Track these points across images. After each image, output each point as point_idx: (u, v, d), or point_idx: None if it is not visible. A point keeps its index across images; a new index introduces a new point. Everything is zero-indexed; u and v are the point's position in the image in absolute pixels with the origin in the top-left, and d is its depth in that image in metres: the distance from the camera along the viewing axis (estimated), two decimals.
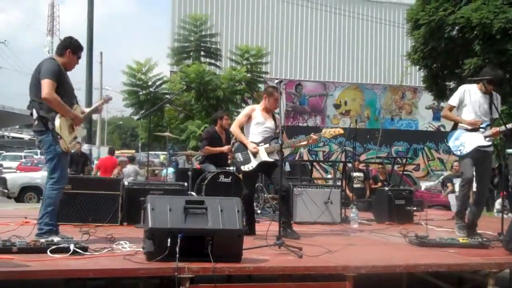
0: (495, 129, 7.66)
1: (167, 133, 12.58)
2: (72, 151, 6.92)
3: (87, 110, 7.05)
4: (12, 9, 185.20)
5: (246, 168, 7.67)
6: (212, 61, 22.51)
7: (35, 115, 6.34)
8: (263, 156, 7.64)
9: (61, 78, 6.34)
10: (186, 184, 9.51)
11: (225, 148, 10.54)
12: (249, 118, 7.90)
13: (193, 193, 9.63)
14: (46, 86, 6.15)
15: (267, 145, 7.70)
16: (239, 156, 7.75)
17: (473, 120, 7.71)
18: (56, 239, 5.77)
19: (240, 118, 8.02)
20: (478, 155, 7.67)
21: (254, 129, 7.85)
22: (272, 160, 7.63)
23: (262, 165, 7.69)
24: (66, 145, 6.32)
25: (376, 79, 35.03)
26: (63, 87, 6.34)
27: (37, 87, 6.29)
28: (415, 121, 34.45)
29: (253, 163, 7.65)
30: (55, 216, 6.39)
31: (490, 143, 7.76)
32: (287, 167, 16.25)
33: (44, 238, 5.82)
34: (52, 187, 6.34)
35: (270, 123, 7.88)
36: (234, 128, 8.02)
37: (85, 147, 20.65)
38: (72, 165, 19.09)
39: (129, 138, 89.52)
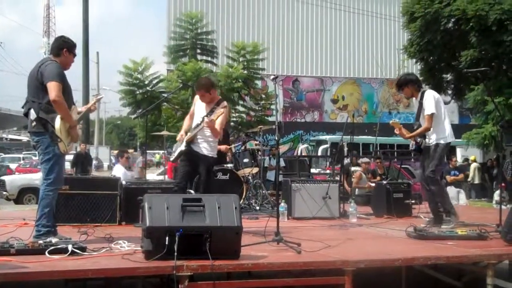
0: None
1: (164, 132, 12.59)
2: (74, 151, 6.94)
3: (82, 109, 7.03)
4: (8, 11, 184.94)
5: (171, 157, 7.92)
6: (209, 58, 22.52)
7: (33, 115, 6.31)
8: (181, 146, 7.66)
9: (64, 79, 6.36)
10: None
11: (222, 147, 10.54)
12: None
13: (191, 191, 9.62)
14: (55, 88, 6.14)
15: (189, 134, 7.64)
16: (174, 146, 7.95)
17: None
18: (54, 240, 5.77)
19: (191, 108, 8.07)
20: (424, 153, 8.29)
21: (194, 118, 7.79)
22: (185, 148, 7.60)
23: (186, 153, 7.64)
24: (65, 147, 6.32)
25: (373, 73, 35.04)
26: (64, 88, 6.34)
27: (38, 88, 6.28)
28: (413, 114, 34.37)
29: (175, 153, 7.76)
30: (52, 217, 6.39)
31: (431, 142, 8.18)
32: (282, 163, 16.24)
33: (42, 240, 5.81)
34: (48, 188, 6.32)
35: (204, 110, 7.66)
36: (185, 118, 8.08)
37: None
38: (77, 165, 19.17)
39: (127, 137, 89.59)
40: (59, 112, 6.23)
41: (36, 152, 6.84)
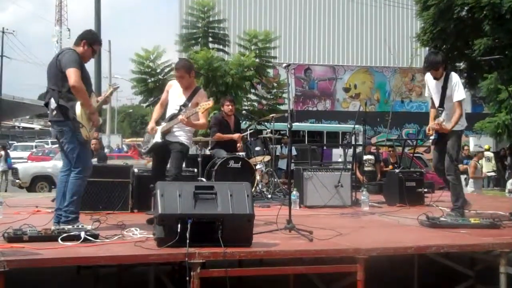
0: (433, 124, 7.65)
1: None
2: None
3: (99, 99, 7.00)
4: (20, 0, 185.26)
5: (143, 150, 7.51)
6: (220, 47, 22.39)
7: (53, 104, 6.33)
8: (156, 137, 7.31)
9: (82, 67, 6.38)
10: (196, 170, 9.53)
11: (235, 135, 10.53)
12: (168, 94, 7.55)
13: (203, 179, 9.64)
14: (74, 74, 6.17)
15: (164, 123, 7.32)
16: (145, 136, 7.57)
17: (430, 125, 7.78)
18: (67, 227, 5.79)
19: (162, 96, 7.71)
20: (440, 141, 7.79)
21: (169, 106, 7.46)
22: (161, 140, 7.25)
23: (160, 146, 7.31)
24: (87, 133, 6.36)
25: (386, 62, 34.88)
26: (82, 76, 6.36)
27: (57, 76, 6.31)
28: (425, 103, 34.22)
29: (149, 144, 7.43)
30: (79, 204, 6.47)
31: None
32: (293, 152, 16.24)
33: (71, 225, 5.89)
34: (77, 176, 6.38)
35: (181, 98, 7.35)
36: (155, 107, 7.78)
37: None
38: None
39: (139, 126, 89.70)
40: (79, 98, 6.26)
41: (49, 140, 6.86)
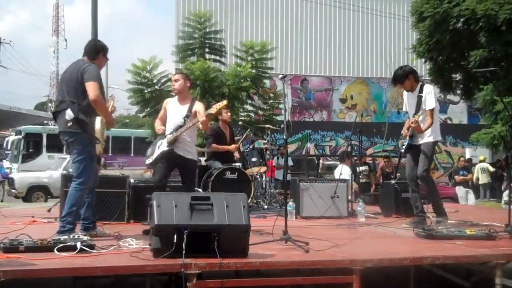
0: (408, 124, 8.06)
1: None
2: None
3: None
4: (18, 10, 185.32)
5: (147, 161, 7.61)
6: (217, 57, 22.43)
7: (69, 116, 6.38)
8: (162, 147, 7.45)
9: (101, 82, 6.52)
10: None
11: (232, 147, 10.57)
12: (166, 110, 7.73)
13: (200, 190, 9.64)
14: (95, 88, 6.28)
15: (170, 134, 7.45)
16: (149, 150, 7.68)
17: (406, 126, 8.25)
18: (64, 236, 5.79)
19: (160, 113, 7.87)
20: (412, 151, 8.12)
21: (169, 120, 7.62)
22: (169, 148, 7.36)
23: (167, 157, 7.40)
24: (101, 149, 6.55)
25: (382, 73, 34.90)
26: (100, 87, 6.47)
27: (77, 90, 6.39)
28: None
29: (154, 156, 7.51)
30: (77, 215, 6.52)
31: (421, 141, 8.04)
32: (290, 162, 16.27)
33: (67, 235, 5.87)
34: (78, 187, 6.42)
35: (182, 111, 7.55)
36: (155, 122, 7.90)
37: None
38: None
39: None
40: (100, 111, 6.40)
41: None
